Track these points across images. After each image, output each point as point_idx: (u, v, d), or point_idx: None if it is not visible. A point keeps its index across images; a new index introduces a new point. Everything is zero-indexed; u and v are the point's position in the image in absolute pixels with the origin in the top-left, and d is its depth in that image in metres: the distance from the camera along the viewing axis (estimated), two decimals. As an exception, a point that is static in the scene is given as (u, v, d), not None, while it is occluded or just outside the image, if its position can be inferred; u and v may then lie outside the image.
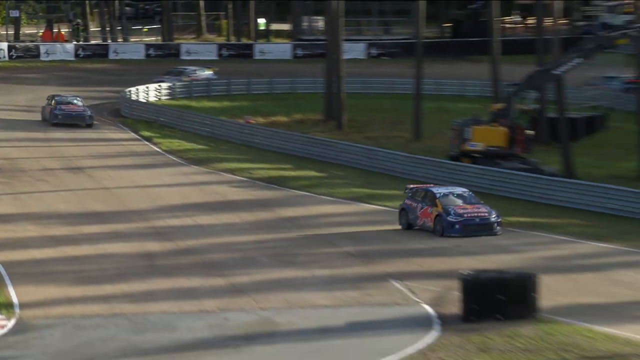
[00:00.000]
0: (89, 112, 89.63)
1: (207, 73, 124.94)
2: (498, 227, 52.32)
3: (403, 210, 54.94)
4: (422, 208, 53.21)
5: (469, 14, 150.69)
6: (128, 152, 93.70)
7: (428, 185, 57.99)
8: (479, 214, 52.39)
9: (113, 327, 41.40)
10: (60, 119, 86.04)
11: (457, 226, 51.44)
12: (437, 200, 52.68)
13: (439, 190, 54.56)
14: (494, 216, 52.61)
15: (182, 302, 46.30)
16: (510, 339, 38.25)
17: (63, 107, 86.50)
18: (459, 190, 55.24)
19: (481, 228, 52.14)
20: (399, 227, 57.01)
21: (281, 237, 63.21)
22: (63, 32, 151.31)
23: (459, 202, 53.17)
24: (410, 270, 53.55)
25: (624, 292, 49.78)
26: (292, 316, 43.91)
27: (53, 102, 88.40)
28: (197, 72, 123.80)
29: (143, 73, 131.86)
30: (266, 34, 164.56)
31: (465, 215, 51.77)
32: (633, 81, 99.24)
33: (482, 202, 54.21)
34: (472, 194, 54.85)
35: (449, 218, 51.51)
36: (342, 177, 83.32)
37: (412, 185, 57.87)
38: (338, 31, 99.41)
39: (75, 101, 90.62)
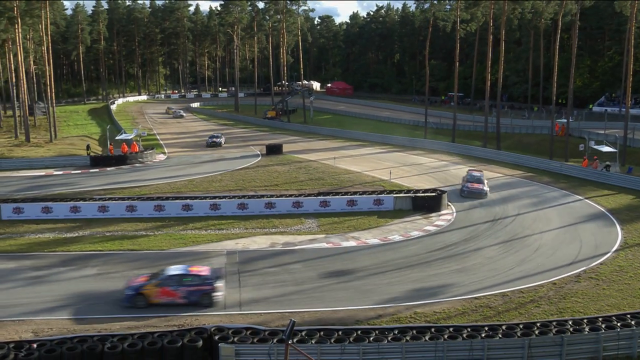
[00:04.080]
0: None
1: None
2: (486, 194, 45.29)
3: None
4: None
5: (266, 87, 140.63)
6: (193, 118, 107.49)
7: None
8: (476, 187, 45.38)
9: (189, 157, 64.18)
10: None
11: (465, 192, 45.34)
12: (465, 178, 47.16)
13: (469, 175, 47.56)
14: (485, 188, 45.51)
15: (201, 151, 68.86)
16: (275, 158, 62.31)
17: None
18: (476, 174, 47.73)
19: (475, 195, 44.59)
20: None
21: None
22: (176, 91, 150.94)
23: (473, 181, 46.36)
24: (254, 143, 75.37)
25: (314, 147, 72.93)
26: (228, 152, 67.00)
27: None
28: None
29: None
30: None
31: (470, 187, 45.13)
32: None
33: (483, 182, 46.37)
34: (479, 177, 47.06)
35: (464, 188, 45.52)
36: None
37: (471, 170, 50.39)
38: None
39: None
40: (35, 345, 20.48)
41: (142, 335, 21.33)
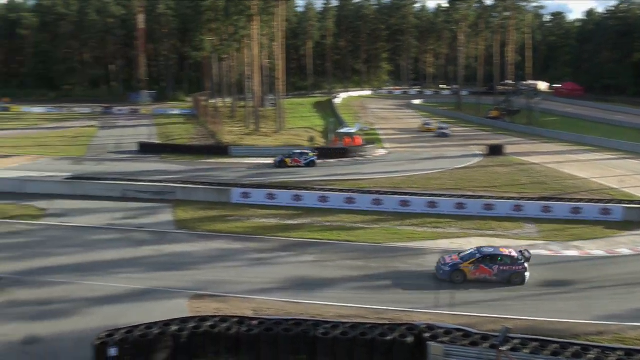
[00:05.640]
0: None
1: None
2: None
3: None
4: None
5: (490, 86, 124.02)
6: (413, 115, 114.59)
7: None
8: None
9: (409, 154, 63.94)
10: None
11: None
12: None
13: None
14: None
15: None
16: (497, 159, 60.26)
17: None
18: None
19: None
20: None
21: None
22: (398, 87, 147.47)
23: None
24: (474, 143, 73.42)
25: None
26: (448, 151, 70.66)
27: None
28: None
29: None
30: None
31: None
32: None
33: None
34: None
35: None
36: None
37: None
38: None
39: None
40: (255, 323, 21.74)
41: (353, 325, 21.75)
